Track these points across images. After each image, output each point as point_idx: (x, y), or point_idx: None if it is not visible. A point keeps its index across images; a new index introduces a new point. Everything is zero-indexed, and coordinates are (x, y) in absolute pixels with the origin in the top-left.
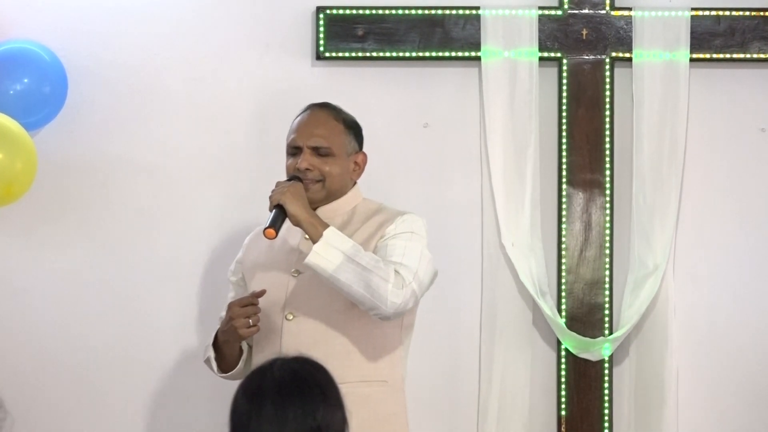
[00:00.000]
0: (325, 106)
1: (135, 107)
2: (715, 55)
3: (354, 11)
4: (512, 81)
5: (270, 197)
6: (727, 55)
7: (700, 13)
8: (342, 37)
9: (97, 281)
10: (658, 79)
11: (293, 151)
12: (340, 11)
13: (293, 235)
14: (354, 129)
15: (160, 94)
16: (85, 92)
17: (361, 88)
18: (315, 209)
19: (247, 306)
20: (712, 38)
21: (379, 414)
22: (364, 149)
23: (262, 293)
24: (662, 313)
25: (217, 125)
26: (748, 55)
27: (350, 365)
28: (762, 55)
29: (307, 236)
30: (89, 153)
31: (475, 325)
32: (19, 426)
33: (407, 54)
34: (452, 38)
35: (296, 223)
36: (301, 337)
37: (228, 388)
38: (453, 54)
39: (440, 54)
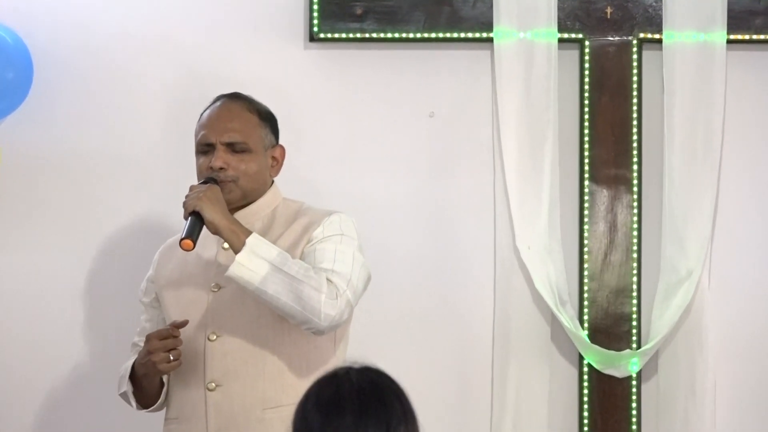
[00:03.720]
0: (237, 97)
1: (108, 95)
2: (754, 36)
3: None
4: (528, 65)
5: (184, 204)
6: None
7: None
8: (338, 16)
9: (69, 285)
10: (691, 63)
11: (204, 149)
12: None
13: (209, 246)
14: (270, 121)
15: (137, 82)
16: (53, 79)
17: (359, 73)
18: (232, 213)
19: (166, 339)
20: (751, 17)
21: None
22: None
23: (184, 324)
24: (696, 324)
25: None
26: None
27: (284, 386)
28: None
29: (225, 246)
30: (57, 146)
31: (487, 337)
32: None
33: (411, 35)
34: (461, 17)
35: (215, 231)
36: (227, 358)
37: None
38: (462, 35)
39: (448, 35)
